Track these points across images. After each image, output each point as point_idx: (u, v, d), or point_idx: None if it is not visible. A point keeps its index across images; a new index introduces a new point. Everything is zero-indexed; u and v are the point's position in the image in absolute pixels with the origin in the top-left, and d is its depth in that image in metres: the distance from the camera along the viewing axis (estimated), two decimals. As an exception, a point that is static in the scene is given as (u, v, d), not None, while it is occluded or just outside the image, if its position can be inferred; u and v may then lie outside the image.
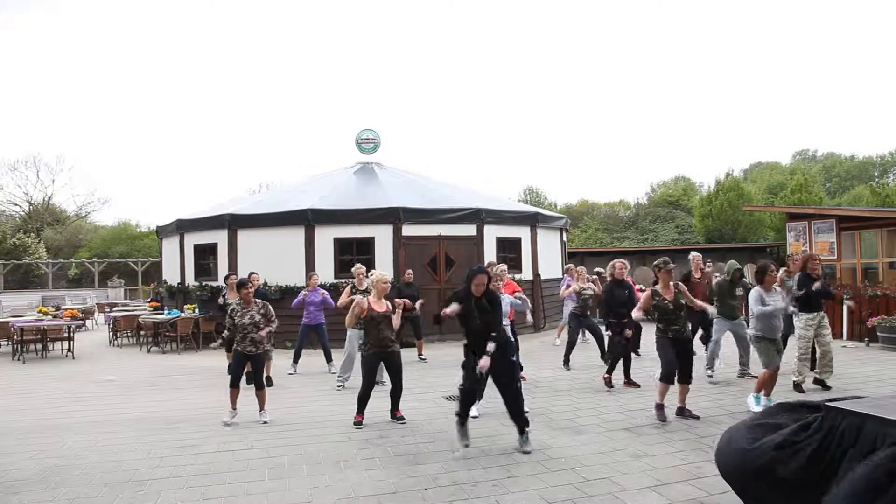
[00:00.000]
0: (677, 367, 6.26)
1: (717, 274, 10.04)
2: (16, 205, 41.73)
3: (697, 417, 6.29)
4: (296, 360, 9.79)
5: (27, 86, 63.63)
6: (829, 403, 3.06)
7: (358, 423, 6.42)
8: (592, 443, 5.62)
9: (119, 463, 5.31)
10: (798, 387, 7.55)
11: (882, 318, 10.63)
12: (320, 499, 4.43)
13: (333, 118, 72.81)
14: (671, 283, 6.45)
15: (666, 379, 6.29)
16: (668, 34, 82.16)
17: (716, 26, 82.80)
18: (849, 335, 11.57)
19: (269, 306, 6.75)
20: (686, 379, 6.38)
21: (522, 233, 14.49)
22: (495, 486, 4.59)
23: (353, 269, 8.90)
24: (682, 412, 6.39)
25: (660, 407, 6.33)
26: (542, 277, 14.60)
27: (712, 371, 8.26)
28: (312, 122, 73.85)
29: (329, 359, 9.74)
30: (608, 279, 8.36)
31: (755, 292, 6.76)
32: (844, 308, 11.54)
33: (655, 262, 6.57)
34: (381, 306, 6.44)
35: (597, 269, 13.18)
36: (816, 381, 7.67)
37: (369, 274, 7.02)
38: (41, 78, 64.55)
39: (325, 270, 12.41)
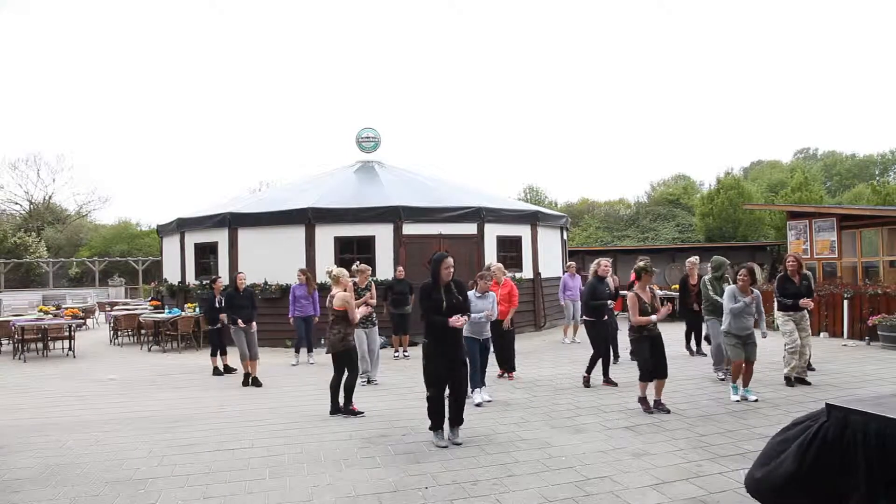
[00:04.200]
0: (653, 365, 6.54)
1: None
2: (16, 204, 41.79)
3: (668, 411, 6.52)
4: (297, 351, 10.47)
5: (28, 85, 63.68)
6: (831, 403, 3.06)
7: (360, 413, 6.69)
8: (593, 441, 5.61)
9: (120, 462, 5.31)
10: (788, 380, 7.64)
11: (882, 317, 10.61)
12: (321, 497, 4.43)
13: (333, 117, 72.86)
14: (648, 287, 6.78)
15: (646, 377, 6.61)
16: (668, 33, 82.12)
17: (716, 25, 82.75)
18: (849, 334, 11.56)
19: None
20: (662, 374, 6.63)
21: (523, 231, 14.49)
22: (496, 484, 4.59)
23: (353, 268, 8.89)
24: (658, 405, 6.63)
25: (643, 400, 6.65)
26: (543, 276, 14.60)
27: (722, 372, 8.20)
28: (312, 122, 73.88)
29: (309, 350, 10.46)
30: (591, 276, 8.39)
31: (729, 290, 7.10)
32: (848, 301, 11.56)
33: (643, 265, 6.81)
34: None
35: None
36: (797, 380, 7.69)
37: (329, 271, 7.17)
38: (42, 77, 64.59)
39: (326, 269, 12.40)
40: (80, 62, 69.11)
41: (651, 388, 6.66)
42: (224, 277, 12.57)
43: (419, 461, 5.16)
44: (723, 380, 8.01)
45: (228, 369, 9.59)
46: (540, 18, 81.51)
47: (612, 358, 8.83)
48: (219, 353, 9.66)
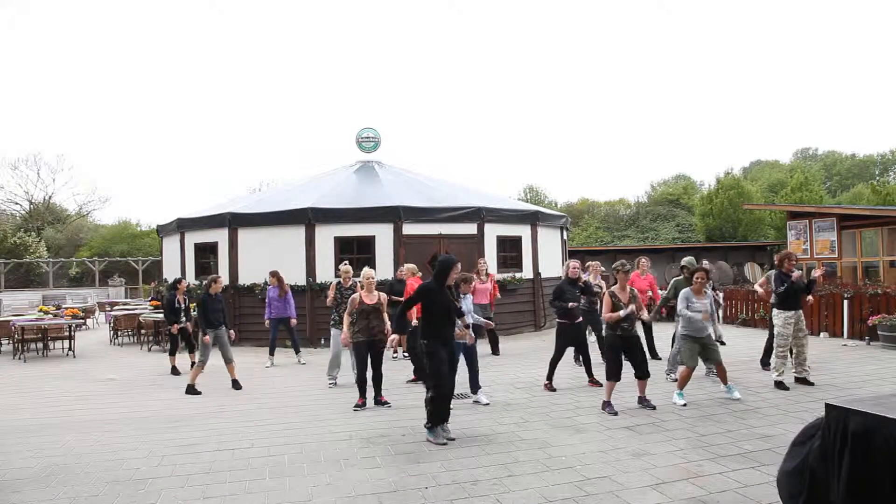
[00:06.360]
0: (621, 366, 6.61)
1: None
2: (17, 204, 41.81)
3: (654, 407, 6.65)
4: (271, 352, 10.42)
5: (28, 85, 63.68)
6: (830, 403, 3.06)
7: (360, 406, 6.92)
8: (593, 441, 5.61)
9: (120, 462, 5.31)
10: (780, 384, 7.54)
11: (882, 317, 10.61)
12: (321, 497, 4.43)
13: (333, 117, 72.82)
14: (627, 287, 6.84)
15: (613, 377, 6.61)
16: (668, 33, 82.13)
17: (716, 25, 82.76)
18: (849, 334, 11.55)
19: None
20: (643, 374, 6.69)
21: (523, 231, 14.48)
22: (496, 484, 4.59)
23: (340, 268, 9.13)
24: (642, 401, 6.77)
25: (606, 404, 6.61)
26: (543, 276, 14.59)
27: (675, 373, 8.14)
28: (312, 121, 73.89)
29: (297, 350, 10.60)
30: (562, 277, 8.33)
31: (683, 293, 7.07)
32: (848, 301, 11.55)
33: (614, 265, 6.98)
34: (372, 299, 7.02)
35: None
36: (798, 381, 7.66)
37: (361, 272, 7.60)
38: (42, 77, 64.58)
39: (326, 269, 12.42)
40: (80, 62, 69.16)
41: (637, 387, 6.78)
42: (224, 278, 12.62)
43: (419, 461, 5.16)
44: (675, 381, 7.97)
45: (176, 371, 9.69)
46: (540, 18, 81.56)
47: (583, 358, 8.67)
48: (177, 352, 9.91)
